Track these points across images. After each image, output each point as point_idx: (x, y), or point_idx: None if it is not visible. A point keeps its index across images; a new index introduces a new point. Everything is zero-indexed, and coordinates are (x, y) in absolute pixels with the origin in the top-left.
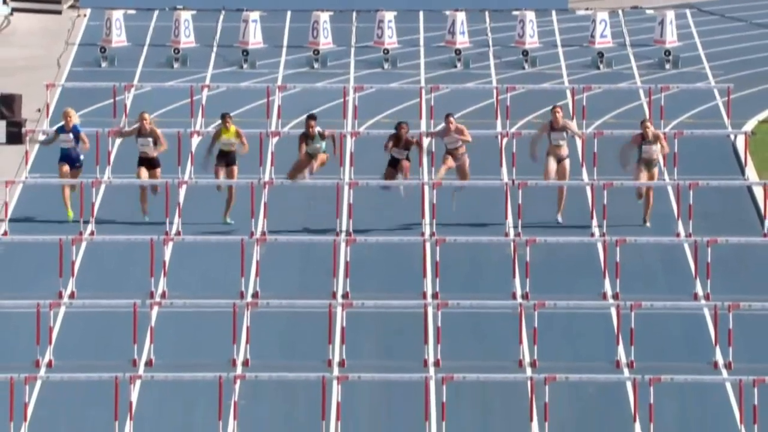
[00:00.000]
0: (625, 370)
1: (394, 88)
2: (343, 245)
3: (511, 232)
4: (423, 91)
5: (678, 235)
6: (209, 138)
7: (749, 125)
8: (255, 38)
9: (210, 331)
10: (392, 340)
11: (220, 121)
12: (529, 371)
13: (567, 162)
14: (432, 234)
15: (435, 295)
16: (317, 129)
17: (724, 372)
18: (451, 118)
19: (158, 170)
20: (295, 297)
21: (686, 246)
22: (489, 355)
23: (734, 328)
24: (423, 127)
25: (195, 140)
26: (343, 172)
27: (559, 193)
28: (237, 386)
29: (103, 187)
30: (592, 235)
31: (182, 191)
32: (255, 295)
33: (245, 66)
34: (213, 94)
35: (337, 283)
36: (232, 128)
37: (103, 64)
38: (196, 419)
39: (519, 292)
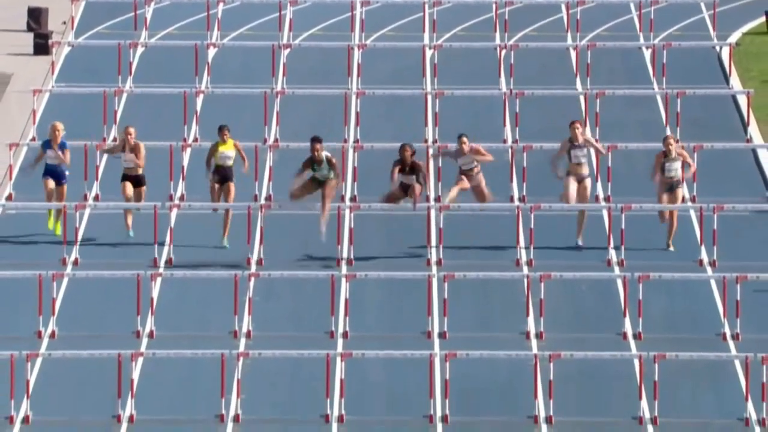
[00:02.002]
0: (616, 269)
1: (398, 3)
2: (351, 151)
3: (509, 138)
4: (426, 6)
5: None
6: (206, 151)
7: (734, 37)
8: None
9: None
10: (397, 240)
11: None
12: (525, 270)
13: (588, 181)
14: (435, 141)
15: (437, 199)
16: (324, 153)
17: (709, 269)
18: (464, 138)
19: (143, 189)
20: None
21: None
22: (488, 255)
23: (719, 228)
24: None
25: (211, 52)
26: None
27: (580, 216)
28: (251, 284)
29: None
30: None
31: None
32: (268, 198)
33: None
34: (228, 8)
35: (346, 187)
36: (230, 141)
37: None
38: (213, 314)
39: (516, 195)
